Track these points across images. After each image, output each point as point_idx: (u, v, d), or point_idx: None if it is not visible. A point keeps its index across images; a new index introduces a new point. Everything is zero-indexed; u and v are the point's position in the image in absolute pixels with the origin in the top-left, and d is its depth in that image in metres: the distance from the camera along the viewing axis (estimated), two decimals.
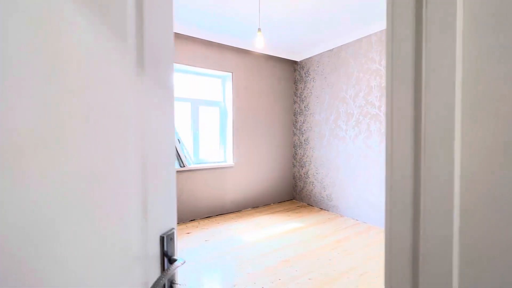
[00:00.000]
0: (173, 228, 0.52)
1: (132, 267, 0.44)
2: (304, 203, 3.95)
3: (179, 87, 3.35)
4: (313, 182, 3.80)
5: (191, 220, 3.20)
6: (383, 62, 2.84)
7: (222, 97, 3.64)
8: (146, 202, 0.46)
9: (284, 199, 4.09)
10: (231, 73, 3.46)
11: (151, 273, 0.47)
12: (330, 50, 3.47)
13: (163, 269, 0.49)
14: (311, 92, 3.80)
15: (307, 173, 3.90)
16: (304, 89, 3.92)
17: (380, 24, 2.82)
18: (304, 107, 3.91)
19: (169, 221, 0.51)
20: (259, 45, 1.97)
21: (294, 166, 4.14)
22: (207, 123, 3.54)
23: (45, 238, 0.31)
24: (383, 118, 2.87)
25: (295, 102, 4.09)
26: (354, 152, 3.18)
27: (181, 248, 2.42)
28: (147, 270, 0.46)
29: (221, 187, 3.44)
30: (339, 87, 3.37)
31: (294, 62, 4.08)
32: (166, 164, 0.51)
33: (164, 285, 0.48)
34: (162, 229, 0.49)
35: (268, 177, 3.88)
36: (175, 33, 2.97)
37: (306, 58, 3.85)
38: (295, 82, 4.08)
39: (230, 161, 3.55)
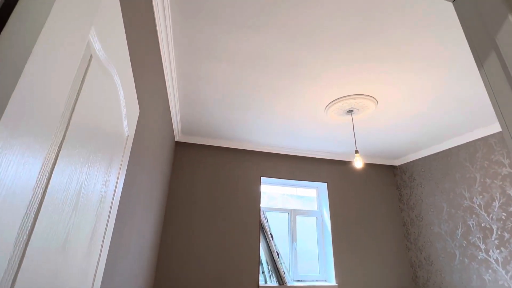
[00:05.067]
0: None
1: None
2: None
3: (277, 196, 3.62)
4: None
5: None
6: None
7: (318, 206, 3.64)
8: None
9: None
10: (326, 183, 3.56)
11: None
12: (435, 153, 3.21)
13: None
14: (420, 199, 3.34)
15: None
16: (411, 196, 3.51)
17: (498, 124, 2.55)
18: (415, 217, 3.39)
19: None
20: (358, 165, 2.07)
21: None
22: (305, 234, 3.47)
23: None
24: None
25: (402, 210, 3.63)
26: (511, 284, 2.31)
27: None
28: None
29: None
30: (458, 194, 2.87)
31: (393, 167, 3.89)
32: None
33: None
34: None
35: None
36: (275, 153, 3.49)
37: (407, 162, 3.63)
38: (398, 188, 3.74)
39: (332, 281, 3.14)
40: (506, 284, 2.35)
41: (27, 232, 0.37)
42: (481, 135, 2.70)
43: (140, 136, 1.28)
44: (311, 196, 3.73)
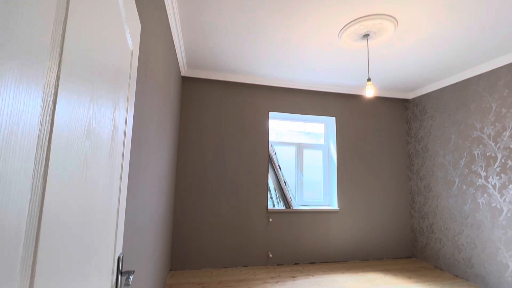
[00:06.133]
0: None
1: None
2: (430, 264, 3.23)
3: (285, 132, 3.69)
4: (440, 239, 3.11)
5: (295, 264, 3.18)
6: None
7: (325, 140, 3.72)
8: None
9: (401, 256, 3.49)
10: (334, 117, 3.55)
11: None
12: (453, 84, 3.05)
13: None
14: (429, 132, 3.34)
15: (431, 226, 3.25)
16: (419, 129, 3.50)
17: None
18: (421, 149, 3.45)
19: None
20: (370, 94, 2.01)
21: (412, 216, 3.55)
22: (312, 166, 3.65)
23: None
24: None
25: (408, 143, 3.67)
26: (504, 206, 2.47)
27: None
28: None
29: (326, 233, 3.32)
30: (469, 125, 2.83)
31: (405, 100, 3.77)
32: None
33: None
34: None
35: (380, 227, 3.47)
36: (284, 87, 3.40)
37: (421, 95, 3.50)
38: (407, 121, 3.71)
39: (334, 205, 3.44)
40: (498, 206, 2.52)
41: (50, 111, 0.39)
42: (506, 61, 2.50)
43: (144, 55, 1.25)
44: (318, 133, 3.78)
